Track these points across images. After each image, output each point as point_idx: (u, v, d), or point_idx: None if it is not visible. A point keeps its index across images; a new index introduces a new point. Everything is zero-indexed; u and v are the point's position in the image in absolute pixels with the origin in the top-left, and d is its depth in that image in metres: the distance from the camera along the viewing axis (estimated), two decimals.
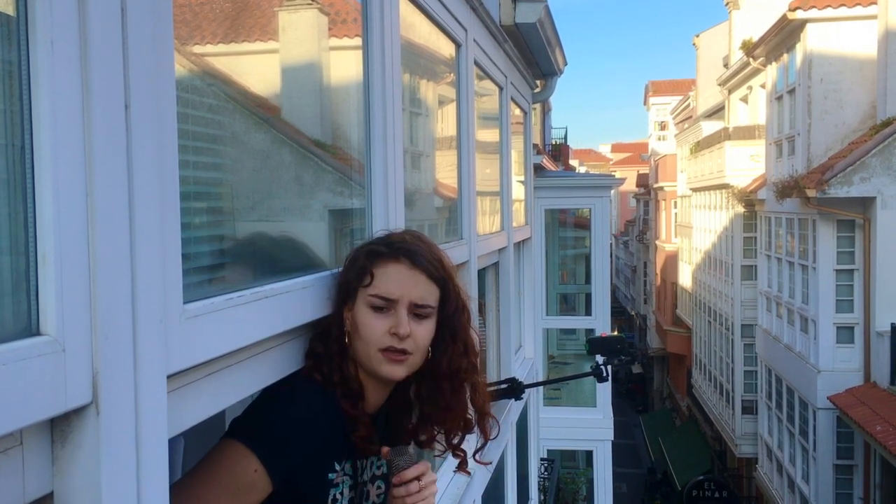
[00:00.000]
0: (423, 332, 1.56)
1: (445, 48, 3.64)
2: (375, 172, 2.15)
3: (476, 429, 1.70)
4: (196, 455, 1.46)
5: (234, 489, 1.39)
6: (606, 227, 10.23)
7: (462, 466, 1.73)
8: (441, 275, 1.58)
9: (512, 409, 5.48)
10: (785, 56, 15.53)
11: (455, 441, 1.68)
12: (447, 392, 1.62)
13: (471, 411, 1.68)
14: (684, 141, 28.19)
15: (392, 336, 1.52)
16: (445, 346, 1.61)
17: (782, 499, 16.21)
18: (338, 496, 1.53)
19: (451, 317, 1.61)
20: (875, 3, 13.48)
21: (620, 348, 4.33)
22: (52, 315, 0.88)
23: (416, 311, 1.54)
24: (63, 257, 0.89)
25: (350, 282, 1.57)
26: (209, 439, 1.47)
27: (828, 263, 13.52)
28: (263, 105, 1.79)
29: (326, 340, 1.59)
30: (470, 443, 1.74)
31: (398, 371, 1.55)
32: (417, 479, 1.53)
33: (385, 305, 1.53)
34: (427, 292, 1.56)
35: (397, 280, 1.53)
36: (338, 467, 1.53)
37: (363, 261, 1.56)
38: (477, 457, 1.76)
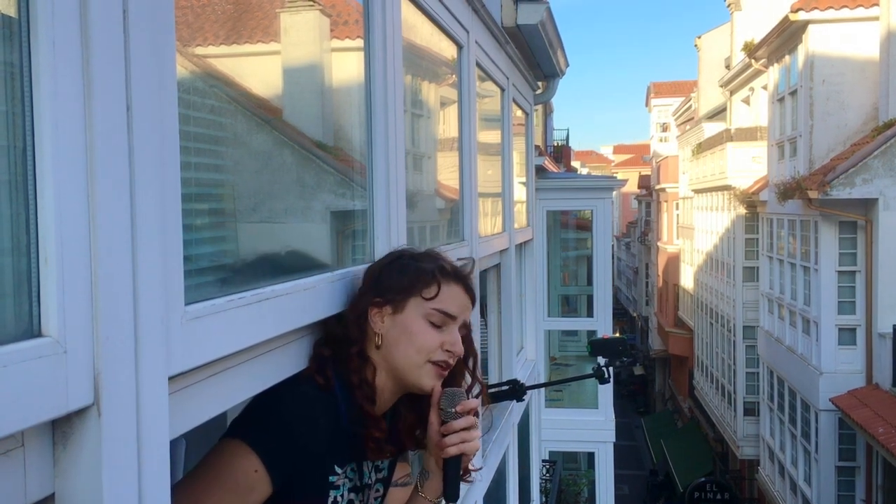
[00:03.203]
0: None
1: (447, 49, 3.64)
2: (377, 174, 2.15)
3: None
4: (197, 457, 1.46)
5: (234, 489, 1.38)
6: (608, 229, 10.22)
7: (464, 476, 1.74)
8: (475, 298, 1.66)
9: (514, 410, 5.48)
10: (787, 57, 15.53)
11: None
12: None
13: None
14: (686, 142, 28.19)
15: (446, 352, 1.55)
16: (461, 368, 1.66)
17: (784, 500, 16.18)
18: (338, 498, 1.52)
19: (468, 340, 1.66)
20: (877, 5, 13.47)
21: (622, 350, 4.32)
22: (54, 317, 0.88)
23: (459, 330, 1.60)
24: (64, 259, 0.89)
25: (404, 288, 1.57)
26: (210, 441, 1.46)
27: (830, 265, 13.51)
28: (265, 106, 1.79)
29: (341, 342, 1.58)
30: None
31: (436, 384, 1.57)
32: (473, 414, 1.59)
33: (443, 322, 1.56)
34: (470, 315, 1.64)
35: (457, 300, 1.59)
36: (339, 470, 1.52)
37: (432, 274, 1.57)
38: (469, 465, 1.78)
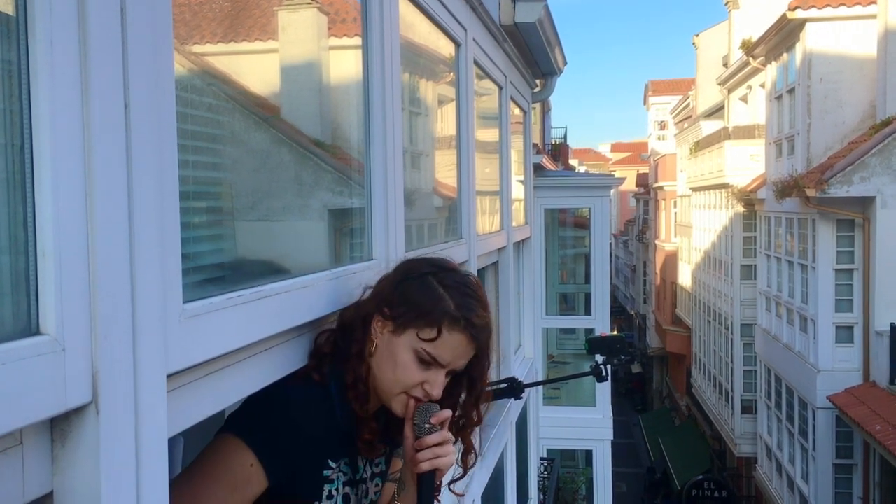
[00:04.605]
0: (444, 385, 1.57)
1: (445, 48, 3.64)
2: (375, 172, 2.15)
3: (458, 461, 1.70)
4: (195, 454, 1.46)
5: (230, 483, 1.40)
6: (606, 227, 10.23)
7: (435, 494, 1.73)
8: (485, 346, 1.59)
9: (511, 408, 5.48)
10: (784, 55, 15.53)
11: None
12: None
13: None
14: (684, 140, 28.19)
15: (423, 390, 1.53)
16: (459, 393, 1.63)
17: (782, 498, 16.21)
18: (333, 492, 1.54)
19: (476, 374, 1.62)
20: (874, 3, 13.49)
21: (620, 348, 4.33)
22: (52, 314, 0.88)
23: (448, 372, 1.56)
24: (63, 257, 0.89)
25: (407, 315, 1.53)
26: (209, 438, 1.47)
27: (827, 263, 13.52)
28: (263, 104, 1.79)
29: (343, 338, 1.58)
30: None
31: (410, 408, 1.56)
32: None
33: (431, 363, 1.53)
34: (467, 361, 1.58)
35: (455, 350, 1.53)
36: (333, 464, 1.54)
37: (439, 316, 1.51)
38: (452, 486, 1.76)
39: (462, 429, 1.65)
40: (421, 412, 1.53)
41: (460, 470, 1.72)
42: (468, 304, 1.55)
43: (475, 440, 1.72)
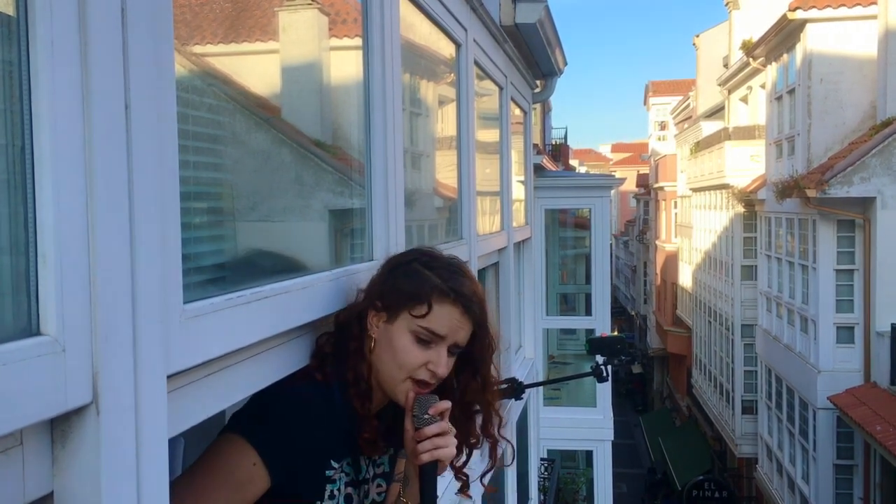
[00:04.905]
0: (450, 367, 1.57)
1: (445, 48, 3.64)
2: (375, 172, 2.15)
3: (487, 454, 1.71)
4: (196, 455, 1.46)
5: (233, 482, 1.40)
6: (606, 227, 10.22)
7: (463, 490, 1.72)
8: (481, 320, 1.60)
9: (512, 409, 5.48)
10: (785, 56, 15.54)
11: (458, 464, 1.67)
12: (457, 418, 1.61)
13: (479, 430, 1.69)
14: (684, 141, 28.20)
15: (428, 371, 1.53)
16: (466, 380, 1.63)
17: (782, 499, 16.21)
18: (335, 492, 1.54)
19: (477, 354, 1.62)
20: (875, 3, 13.49)
21: (620, 348, 4.34)
22: (52, 315, 0.88)
23: (451, 349, 1.56)
24: (63, 257, 0.89)
25: (398, 300, 1.54)
26: (209, 439, 1.47)
27: (828, 263, 13.52)
28: (264, 105, 1.79)
29: (341, 337, 1.59)
30: (477, 460, 1.74)
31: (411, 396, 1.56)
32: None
33: (431, 339, 1.53)
34: (467, 335, 1.58)
35: (449, 322, 1.54)
36: (336, 464, 1.54)
37: (427, 292, 1.53)
38: (483, 480, 1.76)
39: (479, 419, 1.65)
40: (420, 403, 1.53)
41: (489, 463, 1.72)
42: (456, 279, 1.57)
43: (504, 433, 1.71)
